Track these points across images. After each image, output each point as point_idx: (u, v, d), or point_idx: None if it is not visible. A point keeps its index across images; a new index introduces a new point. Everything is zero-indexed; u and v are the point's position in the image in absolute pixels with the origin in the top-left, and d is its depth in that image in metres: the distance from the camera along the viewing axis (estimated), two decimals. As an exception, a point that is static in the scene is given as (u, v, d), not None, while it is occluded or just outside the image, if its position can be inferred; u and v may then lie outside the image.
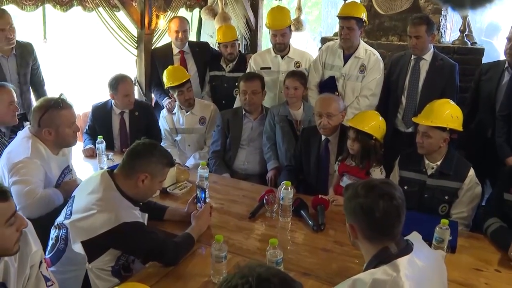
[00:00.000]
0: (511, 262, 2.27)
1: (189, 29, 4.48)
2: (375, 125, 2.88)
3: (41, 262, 1.78)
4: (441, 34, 4.49)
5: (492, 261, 2.30)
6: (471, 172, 2.74)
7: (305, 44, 7.62)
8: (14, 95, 3.02)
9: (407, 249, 1.59)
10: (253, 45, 5.64)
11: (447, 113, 2.74)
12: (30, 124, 2.73)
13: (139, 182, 2.19)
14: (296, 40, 7.23)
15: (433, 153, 2.76)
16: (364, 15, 3.62)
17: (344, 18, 3.61)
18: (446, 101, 2.85)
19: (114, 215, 2.07)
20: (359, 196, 1.60)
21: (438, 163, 2.77)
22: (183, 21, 4.38)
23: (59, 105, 2.59)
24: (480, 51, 4.22)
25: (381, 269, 1.52)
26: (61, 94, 2.67)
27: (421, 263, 1.58)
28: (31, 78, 3.86)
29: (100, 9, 4.16)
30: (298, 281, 1.09)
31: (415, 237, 1.72)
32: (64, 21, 5.56)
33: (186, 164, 3.78)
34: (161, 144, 3.89)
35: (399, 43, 4.45)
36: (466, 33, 4.40)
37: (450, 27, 4.85)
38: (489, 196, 2.75)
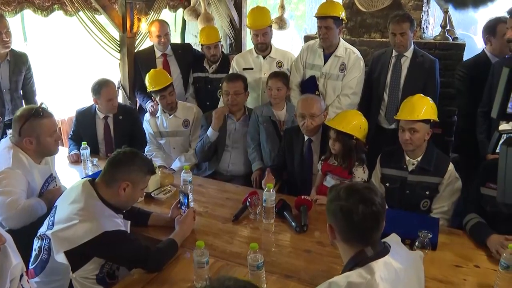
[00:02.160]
0: (490, 254, 2.32)
1: (170, 31, 4.46)
2: (355, 125, 2.90)
3: (22, 275, 1.78)
4: (423, 30, 4.53)
5: (472, 257, 2.34)
6: (451, 167, 2.79)
7: (291, 42, 7.61)
8: None
9: (383, 251, 1.62)
10: (237, 44, 5.65)
11: (427, 106, 2.80)
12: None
13: (120, 191, 2.21)
14: (282, 38, 7.26)
15: (417, 148, 2.80)
16: (342, 14, 3.64)
17: (321, 17, 3.62)
18: (420, 95, 2.90)
19: (96, 224, 2.08)
20: (340, 199, 1.63)
21: (419, 159, 2.82)
22: (163, 24, 4.37)
23: (40, 114, 2.59)
24: (461, 47, 4.26)
25: (356, 272, 1.55)
26: (41, 103, 2.66)
27: (398, 265, 1.60)
28: (23, 87, 3.90)
29: (81, 13, 4.15)
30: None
31: (393, 239, 1.75)
32: (46, 26, 5.54)
33: (171, 167, 3.79)
34: (146, 147, 3.93)
35: (381, 39, 4.48)
36: (448, 28, 4.44)
37: (433, 21, 4.89)
38: (468, 192, 2.79)
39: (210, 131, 3.62)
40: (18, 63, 3.79)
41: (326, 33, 3.61)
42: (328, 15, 3.59)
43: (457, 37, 4.46)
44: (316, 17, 3.69)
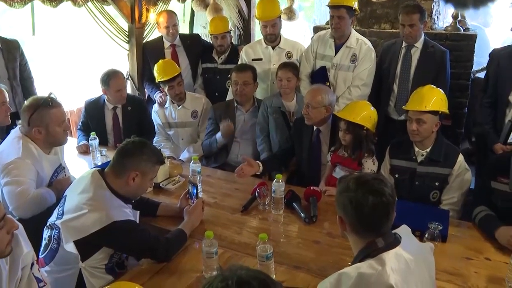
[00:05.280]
0: (501, 247, 2.29)
1: (178, 21, 4.45)
2: (365, 115, 2.89)
3: (32, 264, 1.79)
4: (434, 20, 4.47)
5: (483, 250, 2.32)
6: (460, 158, 2.77)
7: (303, 33, 7.55)
8: (7, 95, 3.02)
9: (394, 242, 1.60)
10: (246, 35, 5.63)
11: (437, 98, 2.77)
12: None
13: (129, 180, 2.21)
14: (293, 29, 7.21)
15: (425, 139, 2.78)
16: (355, 4, 3.59)
17: (334, 7, 3.57)
18: (431, 86, 2.87)
19: (105, 214, 2.09)
20: (350, 190, 1.61)
21: (428, 150, 2.80)
22: (171, 15, 4.35)
23: (48, 104, 2.59)
24: (473, 37, 4.22)
25: (367, 263, 1.54)
26: (50, 93, 2.66)
27: (408, 256, 1.59)
28: (20, 75, 3.88)
29: (90, 4, 4.14)
30: (279, 282, 1.11)
31: (403, 231, 1.74)
32: (55, 17, 5.55)
33: (180, 158, 3.79)
34: (155, 138, 3.94)
35: (391, 30, 4.44)
36: (459, 19, 4.39)
37: (444, 12, 4.83)
38: (477, 185, 2.77)
39: (219, 137, 3.60)
40: (11, 50, 3.79)
41: (339, 23, 3.56)
42: (341, 4, 3.53)
43: (468, 28, 4.41)
44: (328, 6, 3.63)
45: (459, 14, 4.36)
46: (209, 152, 3.74)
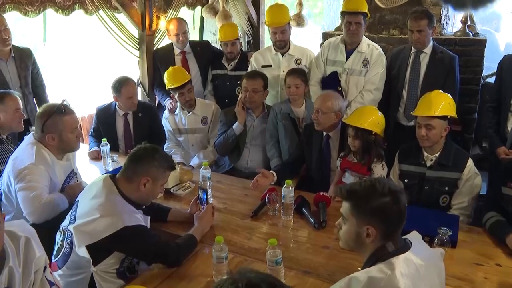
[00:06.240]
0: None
1: (188, 28, 4.49)
2: (373, 120, 2.89)
3: (45, 267, 1.81)
4: (443, 26, 4.47)
5: (493, 255, 2.31)
6: (470, 162, 2.77)
7: (315, 37, 7.58)
8: (20, 102, 3.08)
9: (404, 247, 1.61)
10: (255, 42, 5.65)
11: (445, 103, 2.77)
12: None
13: (141, 186, 2.23)
14: (305, 34, 7.23)
15: (434, 144, 2.78)
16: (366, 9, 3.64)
17: (351, 13, 3.61)
18: (438, 91, 2.88)
19: (117, 219, 2.11)
20: (382, 195, 1.59)
21: (437, 154, 2.80)
22: (181, 22, 4.40)
23: (62, 111, 2.63)
24: (482, 42, 4.20)
25: (377, 267, 1.55)
26: (63, 100, 2.71)
27: (418, 261, 1.59)
28: (32, 82, 3.93)
29: (101, 12, 4.20)
30: (288, 285, 1.12)
31: (414, 236, 1.74)
32: (67, 25, 5.63)
33: (190, 164, 3.81)
34: (166, 144, 3.96)
35: (400, 36, 4.44)
36: (468, 23, 4.38)
37: (453, 17, 4.83)
38: (487, 190, 2.76)
39: (235, 125, 3.64)
40: (23, 58, 3.84)
41: (357, 29, 3.61)
42: (359, 11, 3.58)
43: (478, 33, 4.40)
44: (346, 12, 3.67)
45: (468, 19, 4.35)
46: (224, 148, 3.73)
